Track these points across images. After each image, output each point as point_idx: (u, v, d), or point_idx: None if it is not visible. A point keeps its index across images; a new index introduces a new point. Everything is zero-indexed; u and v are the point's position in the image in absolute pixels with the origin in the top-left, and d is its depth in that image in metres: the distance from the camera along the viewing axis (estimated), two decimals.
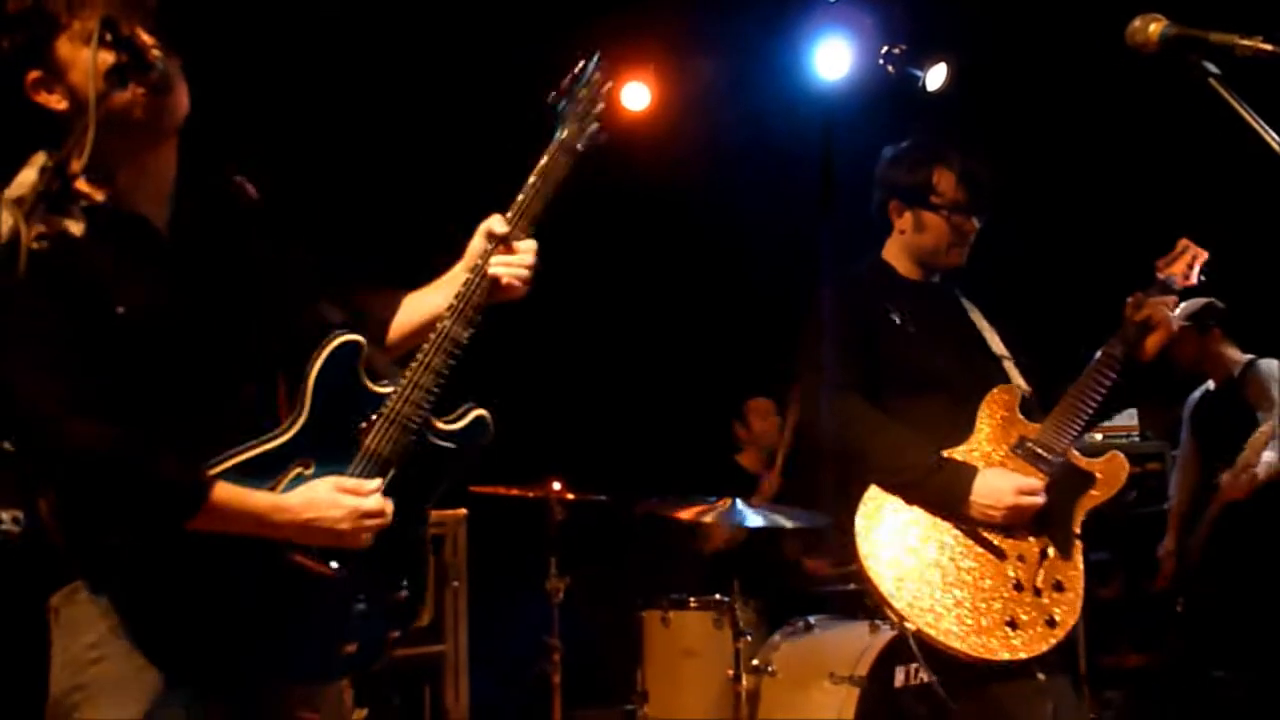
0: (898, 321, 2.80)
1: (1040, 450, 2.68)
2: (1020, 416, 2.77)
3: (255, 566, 1.80)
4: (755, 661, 4.15)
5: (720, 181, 5.90)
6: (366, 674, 1.95)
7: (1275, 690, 4.42)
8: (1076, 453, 2.72)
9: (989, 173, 2.90)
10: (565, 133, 2.07)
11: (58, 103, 1.76)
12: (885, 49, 5.67)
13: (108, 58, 1.59)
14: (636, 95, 5.88)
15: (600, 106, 2.11)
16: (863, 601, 4.21)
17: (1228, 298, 4.69)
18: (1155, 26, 1.80)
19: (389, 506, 1.87)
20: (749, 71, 5.80)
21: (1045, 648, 2.53)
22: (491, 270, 1.99)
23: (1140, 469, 5.48)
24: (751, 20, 5.61)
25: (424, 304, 2.11)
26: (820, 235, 5.97)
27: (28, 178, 1.70)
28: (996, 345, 2.92)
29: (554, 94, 2.10)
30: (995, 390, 2.78)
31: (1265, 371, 4.68)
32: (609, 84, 2.14)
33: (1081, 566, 2.62)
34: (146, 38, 1.67)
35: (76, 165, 1.43)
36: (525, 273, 2.02)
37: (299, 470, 1.84)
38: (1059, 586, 2.60)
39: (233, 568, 1.78)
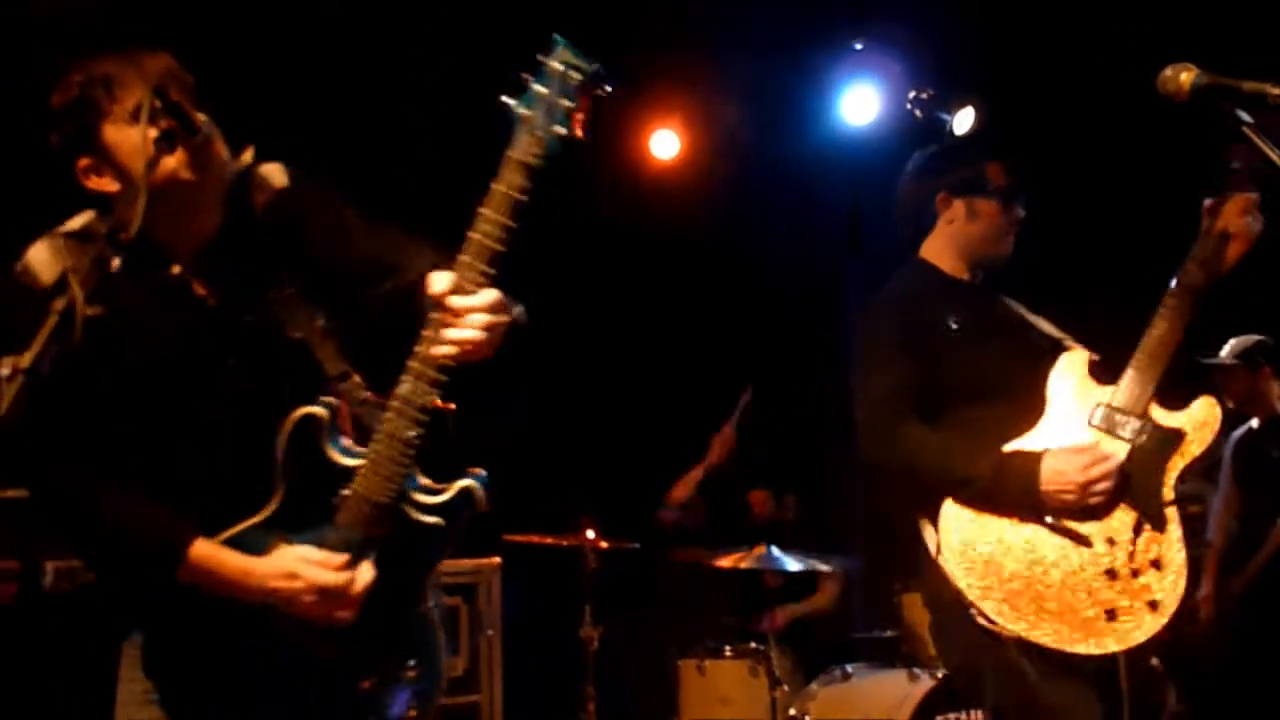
0: (955, 327, 2.68)
1: (1119, 414, 2.49)
2: (1092, 380, 2.59)
3: (262, 638, 1.79)
4: (792, 711, 4.12)
5: (749, 228, 5.93)
6: None
7: None
8: (1159, 408, 2.51)
9: (1024, 162, 2.91)
10: (517, 145, 1.70)
11: (109, 185, 1.80)
12: (913, 94, 5.70)
13: (153, 131, 1.66)
14: (666, 142, 5.95)
15: (565, 101, 1.70)
16: (900, 649, 4.19)
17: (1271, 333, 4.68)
18: (1187, 76, 1.80)
19: (360, 583, 1.76)
20: (777, 118, 5.85)
21: (1153, 633, 2.36)
22: (439, 341, 1.71)
23: (1181, 512, 5.41)
24: (780, 67, 5.66)
25: None
26: (849, 280, 5.98)
27: (80, 220, 1.77)
28: (1051, 330, 2.79)
29: (505, 96, 1.71)
30: (1061, 359, 2.61)
31: None
32: (577, 69, 1.73)
33: (1180, 537, 2.42)
34: (192, 106, 1.73)
35: (128, 233, 1.47)
36: (476, 335, 1.69)
37: (281, 547, 1.79)
38: (1158, 564, 2.41)
39: (238, 633, 1.79)
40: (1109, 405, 2.50)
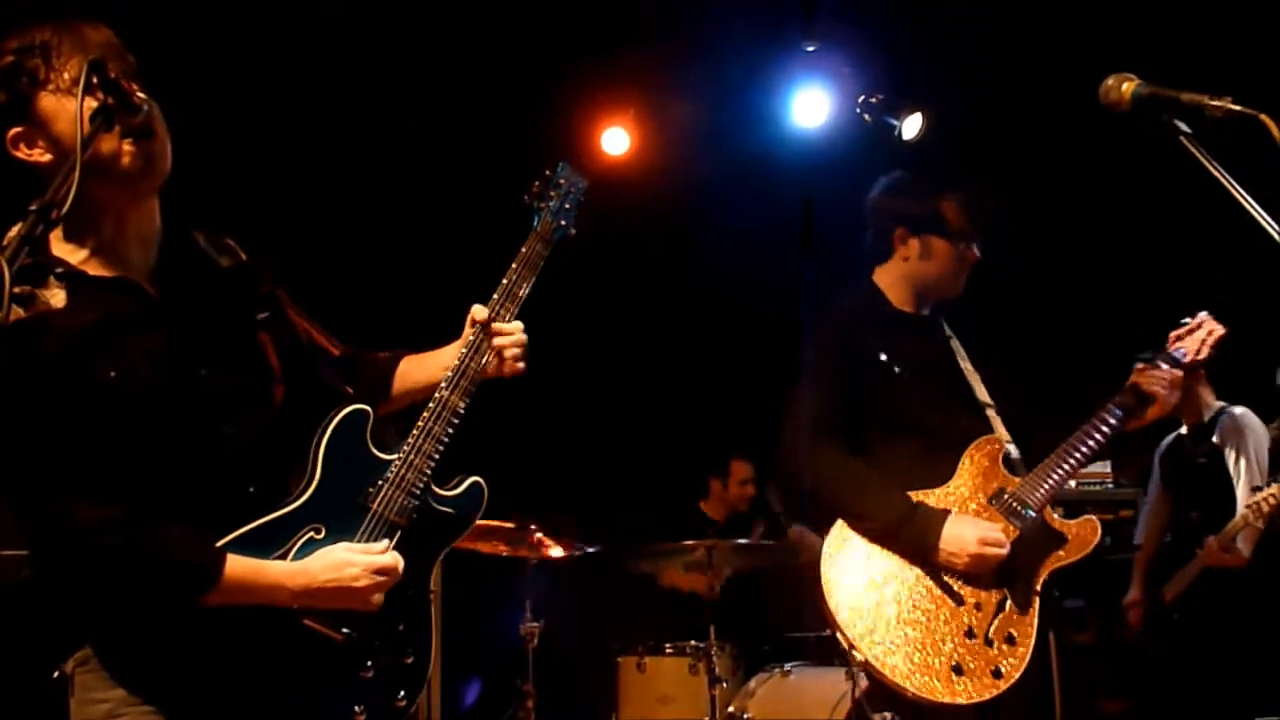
0: (884, 360, 2.81)
1: (1016, 504, 2.72)
2: (1002, 468, 2.80)
3: (267, 635, 1.81)
4: (731, 709, 4.13)
5: (698, 227, 5.94)
6: None
7: None
8: (1052, 511, 2.76)
9: (991, 204, 2.96)
10: (540, 225, 2.28)
11: (40, 155, 1.75)
12: (862, 98, 5.74)
13: (93, 102, 1.60)
14: (616, 140, 5.93)
15: (568, 206, 2.33)
16: (840, 648, 4.22)
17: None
18: (1128, 86, 1.84)
19: (400, 563, 1.92)
20: (728, 117, 5.86)
21: (986, 697, 2.57)
22: (477, 358, 2.10)
23: (1114, 516, 5.52)
24: (731, 68, 5.67)
25: (425, 367, 2.19)
26: (800, 282, 6.01)
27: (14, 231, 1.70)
28: (981, 392, 2.95)
29: (527, 195, 2.31)
30: (980, 440, 2.81)
31: (1238, 417, 4.75)
32: (575, 185, 2.35)
33: (1036, 623, 2.66)
34: (131, 83, 1.67)
35: (60, 211, 1.42)
36: (517, 350, 2.14)
37: (310, 535, 1.88)
38: (1011, 640, 2.63)
39: (245, 637, 1.79)
40: (1012, 493, 2.74)
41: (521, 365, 2.15)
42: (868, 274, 3.01)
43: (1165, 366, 2.80)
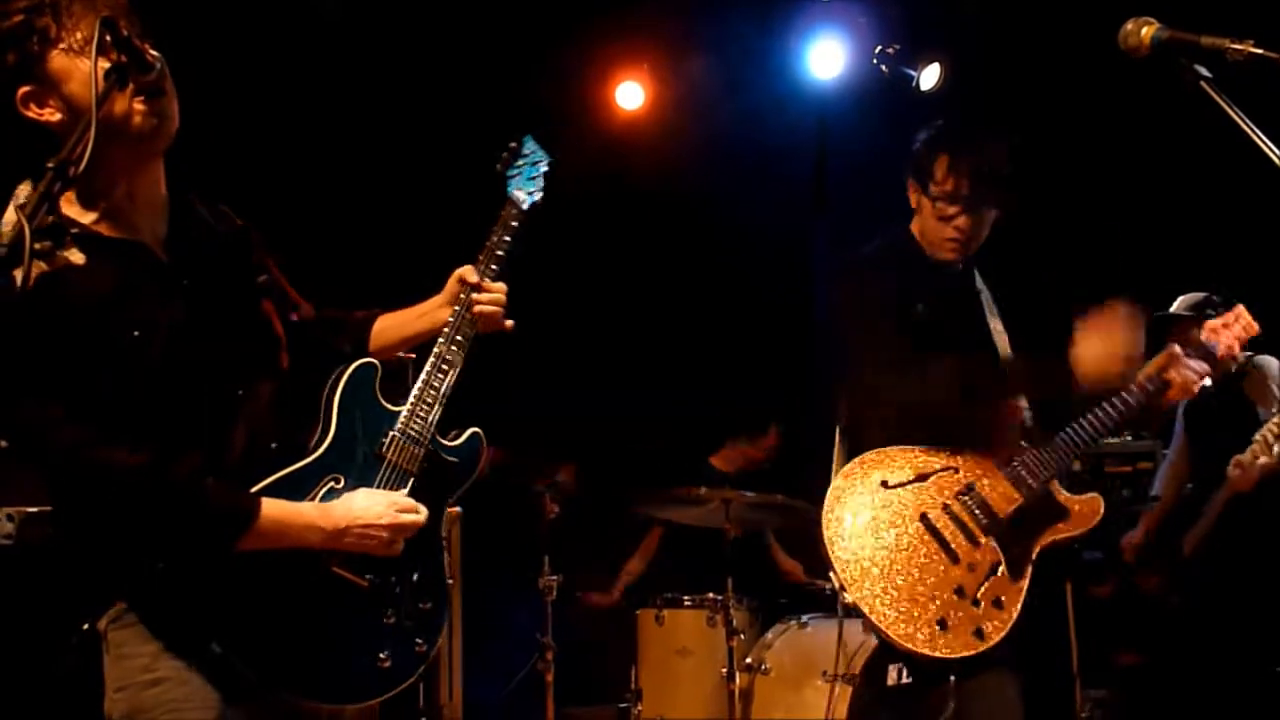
0: (919, 309, 2.79)
1: (1025, 474, 2.73)
2: (1017, 435, 2.79)
3: (298, 583, 1.86)
4: (749, 660, 4.18)
5: (714, 180, 5.91)
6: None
7: (1267, 689, 4.44)
8: (1058, 484, 2.77)
9: (992, 169, 2.80)
10: (514, 192, 2.44)
11: (51, 115, 1.75)
12: (879, 49, 5.67)
13: (105, 62, 1.61)
14: (631, 94, 5.89)
15: (535, 175, 2.48)
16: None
17: (1227, 293, 4.71)
18: (1148, 30, 1.81)
19: (422, 514, 2.00)
20: (743, 70, 5.81)
21: (964, 654, 2.58)
22: (469, 313, 2.24)
23: (1132, 468, 5.51)
24: (746, 19, 5.62)
25: (402, 327, 2.30)
26: (814, 233, 5.99)
27: (24, 189, 1.70)
28: (1005, 350, 2.94)
29: (499, 164, 2.47)
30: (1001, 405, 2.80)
31: (1264, 367, 4.71)
32: (539, 157, 2.50)
33: (1025, 591, 2.66)
34: (143, 42, 1.68)
35: (77, 169, 1.43)
36: (499, 309, 2.28)
37: (330, 484, 1.95)
38: (998, 604, 2.63)
39: (277, 586, 1.84)
40: (1021, 460, 2.74)
41: (509, 322, 2.28)
42: (905, 221, 2.97)
43: (1194, 357, 2.77)
